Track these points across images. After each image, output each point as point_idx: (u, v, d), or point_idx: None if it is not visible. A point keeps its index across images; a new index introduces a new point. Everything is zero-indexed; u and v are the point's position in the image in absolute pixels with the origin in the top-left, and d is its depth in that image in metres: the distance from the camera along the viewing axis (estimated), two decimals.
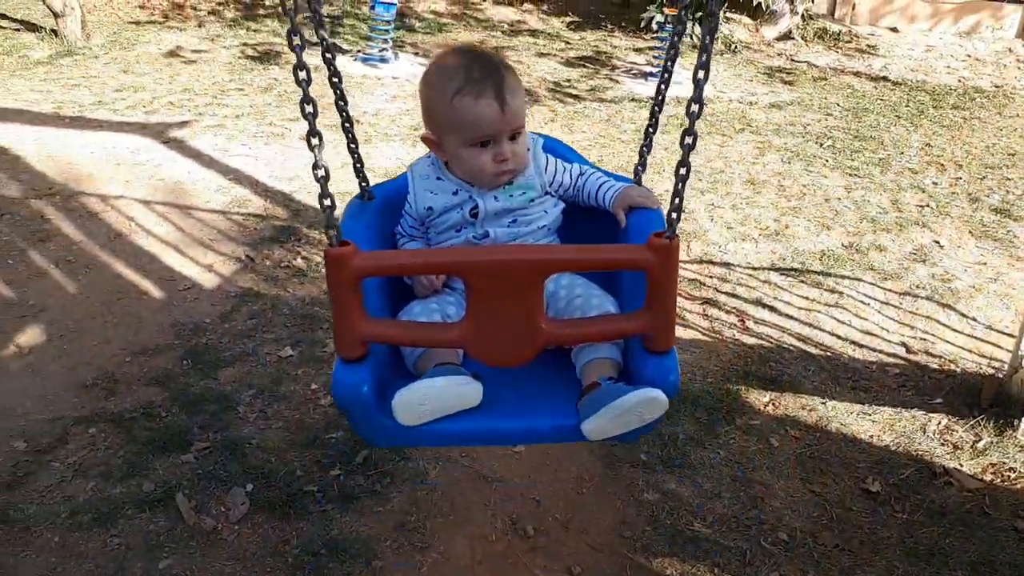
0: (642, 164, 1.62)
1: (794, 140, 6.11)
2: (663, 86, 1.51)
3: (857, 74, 8.36)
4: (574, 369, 1.45)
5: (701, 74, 1.12)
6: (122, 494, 2.50)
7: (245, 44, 8.11)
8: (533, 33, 9.40)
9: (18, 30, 8.22)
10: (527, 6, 10.24)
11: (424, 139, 1.57)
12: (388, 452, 2.68)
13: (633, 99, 6.99)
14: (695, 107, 1.13)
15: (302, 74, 1.16)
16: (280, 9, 1.13)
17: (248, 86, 6.73)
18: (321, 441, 2.74)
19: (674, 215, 1.19)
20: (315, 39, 1.36)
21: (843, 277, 4.03)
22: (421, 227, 1.63)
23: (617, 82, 7.58)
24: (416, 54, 8.08)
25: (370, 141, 5.55)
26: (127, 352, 3.22)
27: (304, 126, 1.23)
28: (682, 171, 1.17)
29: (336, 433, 2.78)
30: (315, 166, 1.22)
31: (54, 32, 7.85)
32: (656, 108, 1.53)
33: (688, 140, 1.16)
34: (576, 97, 6.98)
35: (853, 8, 10.20)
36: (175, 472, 2.59)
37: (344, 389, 1.31)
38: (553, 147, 1.70)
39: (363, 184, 1.60)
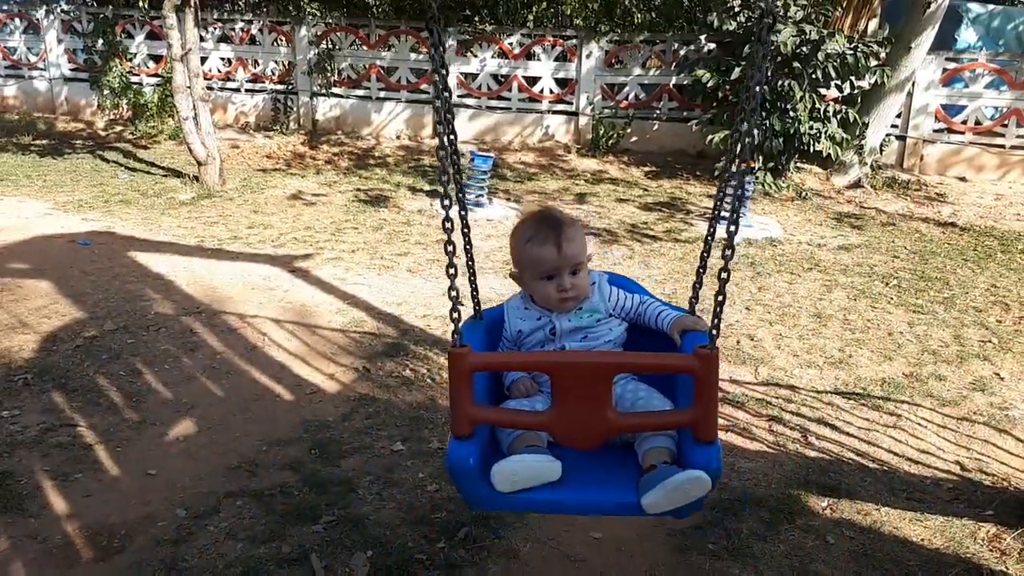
0: (695, 297, 2.09)
1: (860, 279, 6.51)
2: (710, 237, 2.00)
3: (925, 220, 8.76)
4: (637, 457, 1.85)
5: (731, 228, 1.65)
6: (265, 554, 2.99)
7: (358, 189, 9.16)
8: (614, 181, 10.23)
9: (166, 176, 9.53)
10: (609, 157, 11.16)
11: (512, 275, 2.14)
12: (485, 530, 3.10)
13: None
14: (728, 252, 1.66)
15: (447, 224, 1.70)
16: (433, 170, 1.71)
17: (361, 225, 7.63)
18: (428, 519, 3.20)
19: (714, 332, 1.66)
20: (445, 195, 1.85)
21: (902, 402, 4.33)
22: (514, 346, 2.15)
23: (691, 224, 8.20)
24: (508, 199, 8.95)
25: (468, 273, 6.24)
26: (264, 442, 3.79)
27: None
28: (719, 298, 1.65)
29: (441, 513, 3.24)
30: (451, 288, 1.70)
31: (196, 178, 9.09)
32: (704, 253, 2.01)
33: (724, 275, 1.66)
34: (652, 237, 7.61)
35: (921, 159, 10.71)
36: (307, 538, 3.07)
37: (456, 460, 1.70)
38: (617, 280, 2.23)
39: (476, 307, 2.14)
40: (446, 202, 1.71)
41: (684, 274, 6.48)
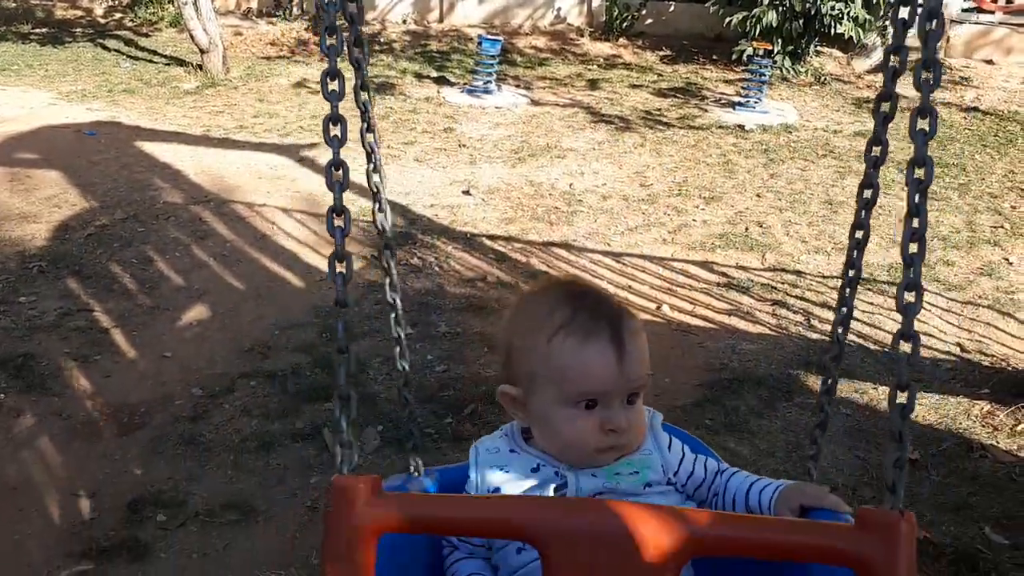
0: (815, 460, 1.27)
1: None
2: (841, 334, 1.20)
3: (947, 104, 8.51)
4: None
5: None
6: (279, 429, 3.12)
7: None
8: (628, 66, 9.94)
9: (168, 65, 9.34)
10: (622, 41, 10.81)
11: (502, 395, 1.24)
12: (492, 407, 3.21)
13: (720, 126, 7.41)
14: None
15: (332, 84, 1.03)
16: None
17: None
18: (436, 397, 3.30)
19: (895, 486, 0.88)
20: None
21: None
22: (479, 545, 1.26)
23: (706, 111, 8.02)
24: (517, 86, 8.74)
25: (475, 163, 6.20)
26: (277, 326, 3.88)
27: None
28: (898, 463, 0.91)
29: (448, 392, 3.34)
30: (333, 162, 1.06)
31: (199, 67, 8.90)
32: (825, 405, 1.24)
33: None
34: (666, 124, 7.47)
35: (947, 41, 10.30)
36: (320, 415, 3.19)
37: None
38: (671, 430, 1.31)
39: (415, 455, 1.27)
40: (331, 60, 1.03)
41: (696, 162, 6.39)
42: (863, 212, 1.09)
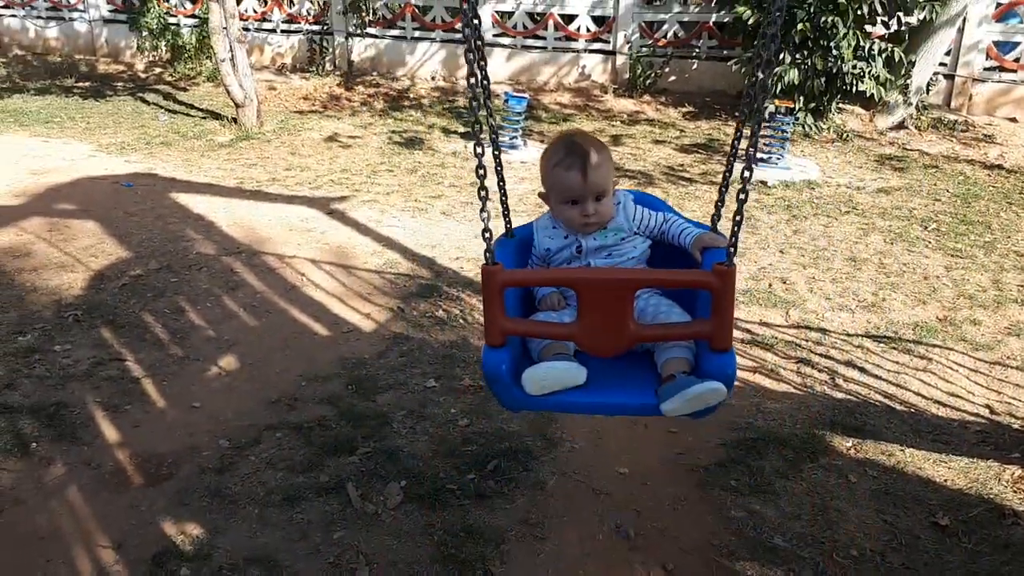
0: (717, 215, 2.08)
1: (899, 223, 6.40)
2: (734, 148, 1.97)
3: (971, 162, 8.52)
4: (656, 366, 1.95)
5: (747, 173, 1.65)
6: (303, 482, 3.14)
7: (393, 131, 9.18)
8: (650, 122, 10.08)
9: (205, 118, 9.63)
10: (646, 98, 10.98)
11: (540, 195, 2.19)
12: (515, 463, 3.22)
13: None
14: (747, 172, 1.64)
15: (478, 149, 1.72)
16: (472, 129, 1.72)
17: (396, 168, 7.68)
18: (459, 452, 3.32)
19: (731, 250, 1.71)
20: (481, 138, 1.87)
21: (934, 346, 4.32)
22: (543, 263, 2.22)
23: None
24: (542, 142, 8.89)
25: (501, 216, 6.28)
26: (303, 378, 3.93)
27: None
28: (737, 218, 1.67)
29: (471, 447, 3.35)
30: (482, 210, 1.76)
31: (234, 120, 9.17)
32: (727, 170, 1.95)
33: (742, 196, 1.66)
34: (688, 179, 7.54)
35: (970, 99, 10.35)
36: (344, 468, 3.22)
37: (490, 367, 1.82)
38: (643, 199, 2.27)
39: (508, 225, 2.20)
40: (478, 128, 1.73)
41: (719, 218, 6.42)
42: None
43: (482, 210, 1.78)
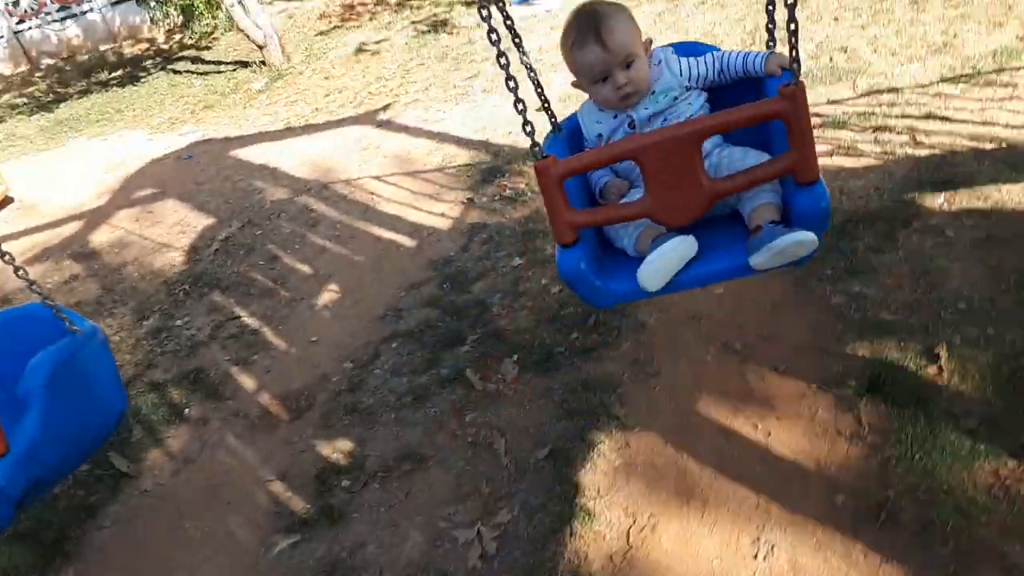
0: (771, 22, 1.76)
1: None
2: None
3: None
4: (743, 220, 1.76)
5: None
6: (427, 380, 3.38)
7: (414, 22, 8.99)
8: None
9: (235, 69, 9.71)
10: None
11: (573, 84, 1.99)
12: (613, 313, 3.33)
13: None
14: None
15: (493, 36, 1.58)
16: None
17: (427, 60, 7.59)
18: (559, 317, 3.46)
19: (795, 66, 1.51)
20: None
21: (1018, 69, 4.04)
22: None
23: None
24: None
25: (542, 73, 6.14)
26: (401, 289, 4.13)
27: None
28: (791, 27, 1.47)
29: (568, 309, 3.48)
30: (516, 100, 1.62)
31: (262, 63, 9.21)
32: None
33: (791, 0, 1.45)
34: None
35: None
36: (460, 358, 3.42)
37: (567, 267, 1.70)
38: (685, 48, 2.03)
39: (552, 120, 2.00)
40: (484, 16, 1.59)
41: (762, 4, 6.06)
42: None
43: (516, 101, 1.64)
